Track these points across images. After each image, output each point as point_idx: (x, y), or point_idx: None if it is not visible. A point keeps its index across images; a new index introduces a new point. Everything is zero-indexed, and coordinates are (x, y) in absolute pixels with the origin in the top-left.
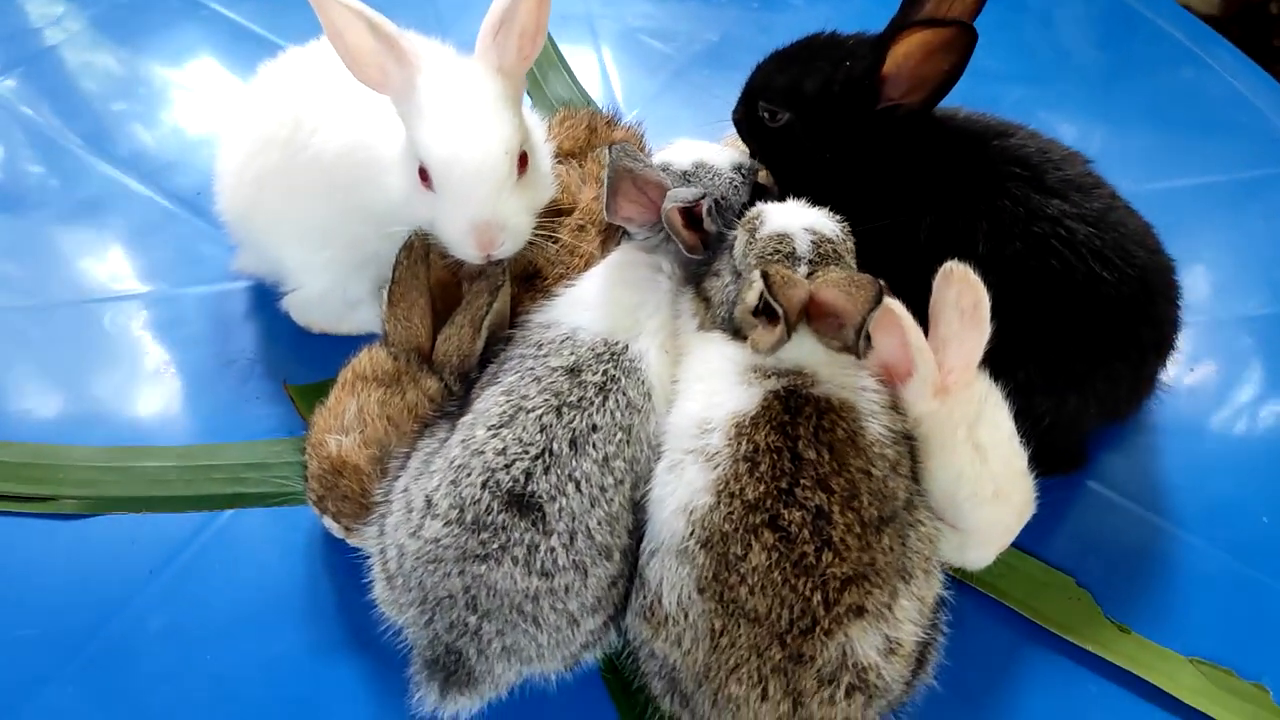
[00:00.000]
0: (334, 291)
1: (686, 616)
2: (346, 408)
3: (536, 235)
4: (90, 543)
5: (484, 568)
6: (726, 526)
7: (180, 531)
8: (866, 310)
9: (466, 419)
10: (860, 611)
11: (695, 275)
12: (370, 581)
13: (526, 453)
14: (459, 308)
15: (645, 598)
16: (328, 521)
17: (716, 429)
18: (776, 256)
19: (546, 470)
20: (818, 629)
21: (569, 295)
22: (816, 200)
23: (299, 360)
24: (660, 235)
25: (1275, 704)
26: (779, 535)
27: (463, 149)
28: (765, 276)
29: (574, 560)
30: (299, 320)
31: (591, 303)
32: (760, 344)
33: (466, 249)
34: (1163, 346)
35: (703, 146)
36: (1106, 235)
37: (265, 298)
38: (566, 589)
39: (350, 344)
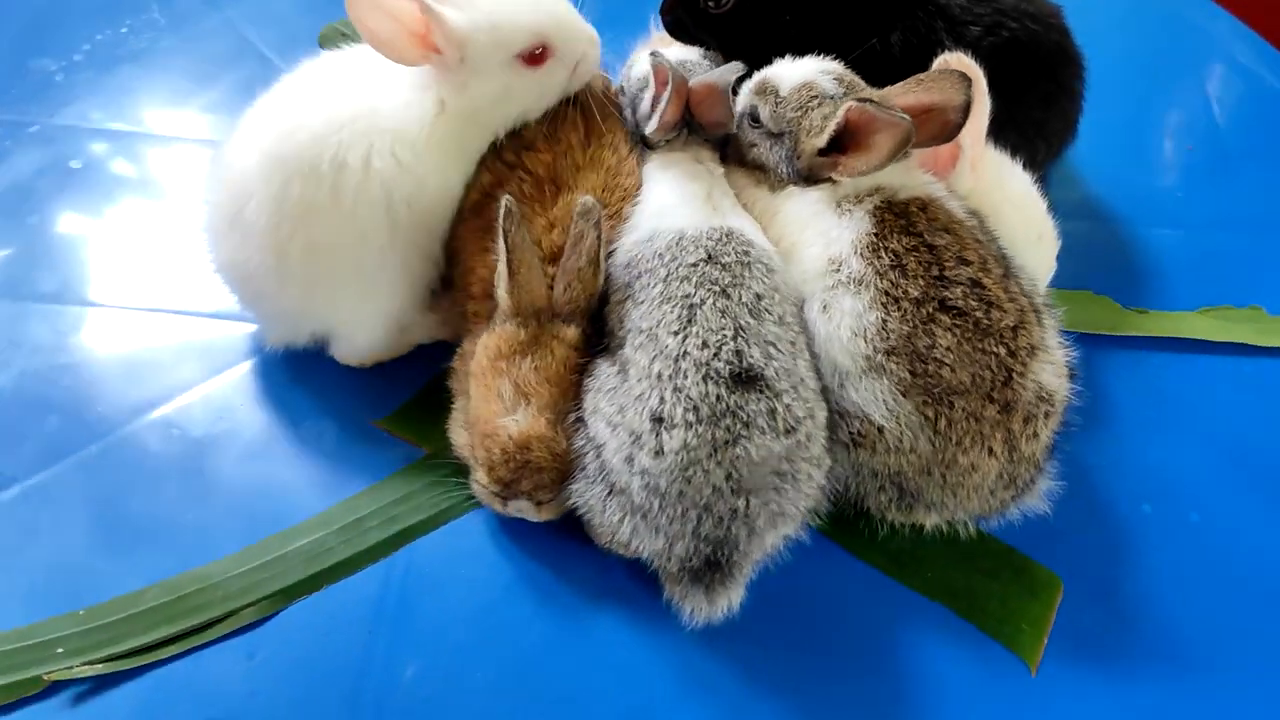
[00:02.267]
0: (390, 324)
1: (899, 420)
2: (501, 390)
3: None
4: (297, 634)
5: (739, 448)
6: (905, 328)
7: (369, 587)
8: (965, 88)
9: (634, 341)
10: (1032, 350)
11: (724, 155)
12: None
13: (724, 336)
14: (566, 250)
15: (850, 426)
16: (515, 508)
17: (848, 257)
18: (815, 103)
19: (748, 343)
20: (1013, 376)
21: (645, 211)
22: (781, 54)
23: (358, 399)
24: (681, 131)
25: (1270, 315)
26: (953, 313)
27: None
28: (860, 105)
29: (806, 409)
30: (351, 363)
31: (673, 206)
32: (858, 166)
33: (596, 57)
34: (1082, 76)
35: (667, 49)
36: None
37: (279, 361)
38: (808, 437)
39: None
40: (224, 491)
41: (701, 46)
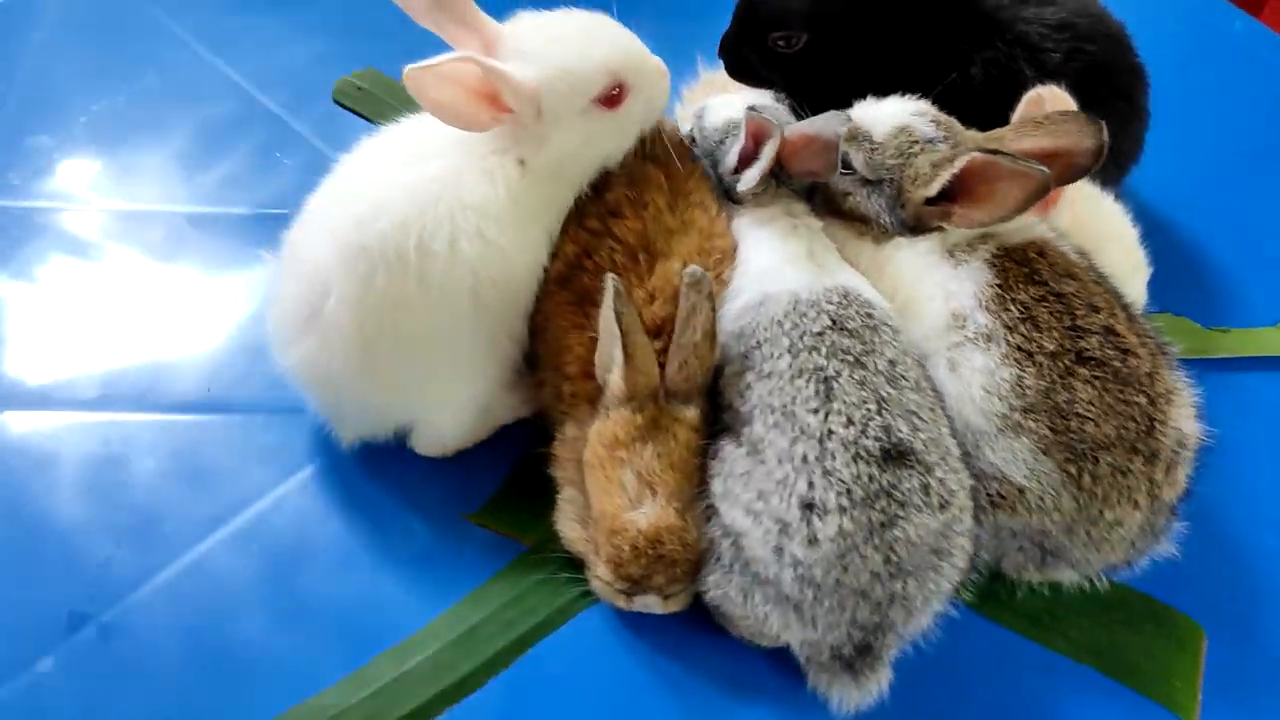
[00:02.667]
0: (478, 409)
1: (1040, 479)
2: (624, 481)
3: None
4: None
5: (896, 530)
6: (1043, 383)
7: (493, 701)
8: (1096, 132)
9: (765, 419)
10: (1169, 394)
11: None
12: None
13: (869, 411)
14: (678, 325)
15: (988, 488)
16: (641, 603)
17: (973, 311)
18: (915, 148)
19: (894, 416)
20: (1155, 424)
21: (748, 273)
22: (860, 95)
23: (443, 491)
24: (768, 184)
25: None
26: (1091, 364)
27: (617, 31)
28: (987, 156)
29: (957, 480)
30: (433, 454)
31: (778, 267)
32: (979, 218)
33: (666, 89)
34: (1148, 94)
35: (738, 95)
36: (1083, 19)
37: (351, 457)
38: (961, 509)
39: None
40: (319, 608)
41: (766, 88)
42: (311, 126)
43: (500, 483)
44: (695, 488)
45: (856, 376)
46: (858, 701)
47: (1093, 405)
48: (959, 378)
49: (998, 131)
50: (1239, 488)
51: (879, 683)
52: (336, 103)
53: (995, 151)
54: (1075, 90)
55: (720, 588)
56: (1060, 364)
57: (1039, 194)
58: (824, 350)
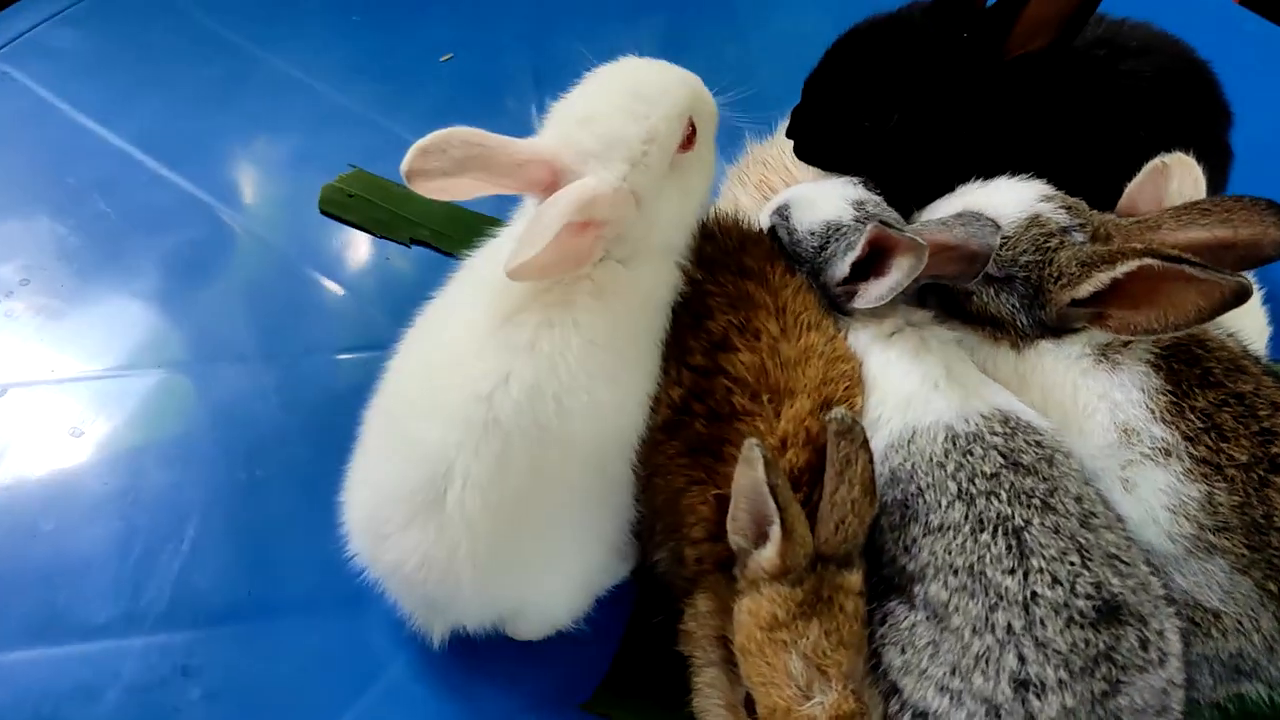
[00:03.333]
0: (593, 579)
1: (1237, 601)
2: (791, 669)
3: None
4: None
5: (1121, 698)
6: (1235, 499)
7: None
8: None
9: (945, 580)
10: None
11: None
12: None
13: (1073, 565)
14: (829, 479)
15: (1182, 616)
16: None
17: (1145, 424)
18: (1052, 241)
19: (1098, 565)
20: None
21: (886, 403)
22: (961, 177)
23: (548, 678)
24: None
25: None
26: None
27: (645, 71)
28: (1168, 265)
29: (1171, 626)
30: (540, 636)
31: (919, 393)
32: (1146, 325)
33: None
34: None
35: (822, 185)
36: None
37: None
38: (1180, 655)
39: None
40: None
41: (843, 173)
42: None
43: (612, 660)
44: (867, 660)
45: (1048, 523)
46: None
47: None
48: (1137, 499)
49: (1151, 216)
50: None
51: None
52: (325, 213)
53: (1178, 258)
54: (1179, 141)
55: None
56: (1254, 475)
57: (1232, 305)
58: (1004, 495)
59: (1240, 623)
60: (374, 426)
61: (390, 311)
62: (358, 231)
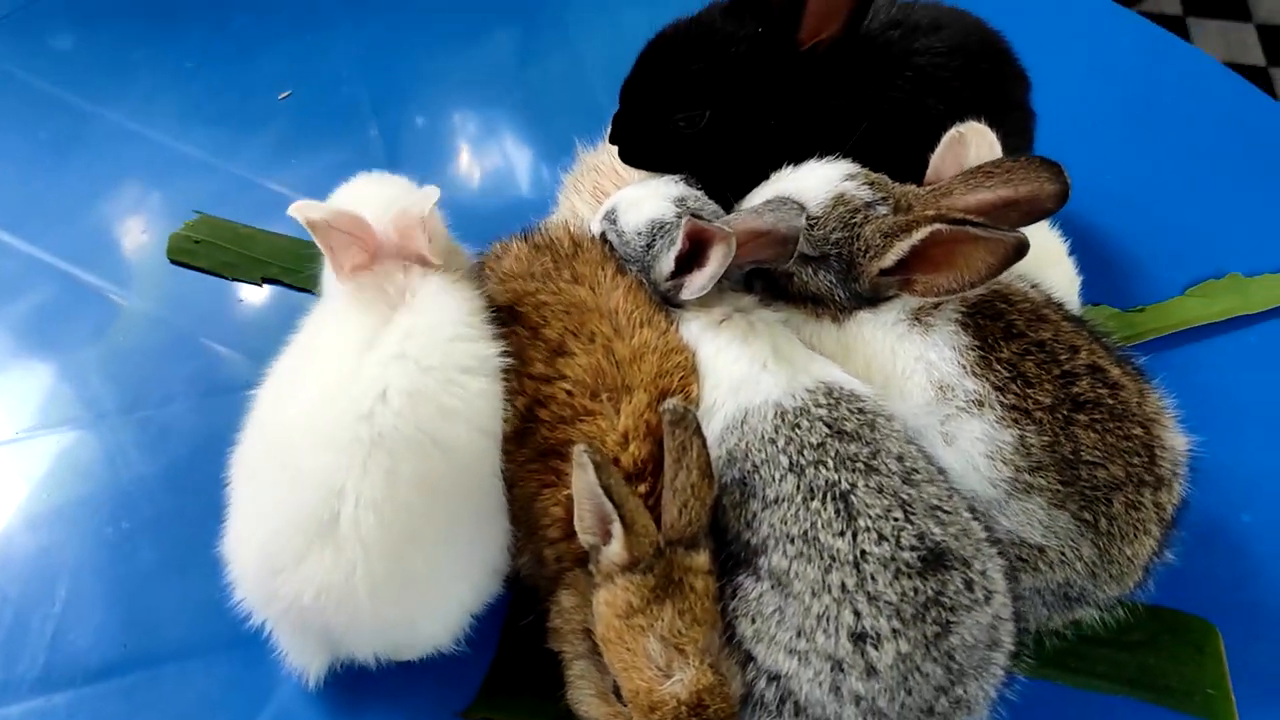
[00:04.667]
0: (482, 592)
1: (1057, 534)
2: (647, 649)
3: None
4: None
5: (952, 637)
6: (1045, 439)
7: None
8: (1059, 175)
9: (784, 549)
10: (1158, 417)
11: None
12: None
13: (897, 520)
14: (668, 467)
15: (1008, 555)
16: None
17: (958, 379)
18: (857, 216)
19: (921, 518)
20: (1155, 451)
21: (719, 387)
22: (774, 165)
23: (425, 691)
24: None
25: (1246, 276)
26: (1087, 408)
27: None
28: (954, 227)
29: (995, 565)
30: (421, 655)
31: (749, 375)
32: (946, 285)
33: None
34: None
35: (646, 186)
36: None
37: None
38: (1004, 594)
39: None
40: None
41: (666, 172)
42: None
43: (488, 666)
44: (722, 634)
45: (873, 484)
46: None
47: (1097, 449)
48: (958, 451)
49: (944, 184)
50: (1203, 471)
51: None
52: (174, 262)
53: (963, 220)
54: (978, 110)
55: None
56: (1059, 415)
57: (1014, 259)
58: (830, 463)
59: (1063, 554)
60: (250, 468)
61: (247, 352)
62: (209, 276)
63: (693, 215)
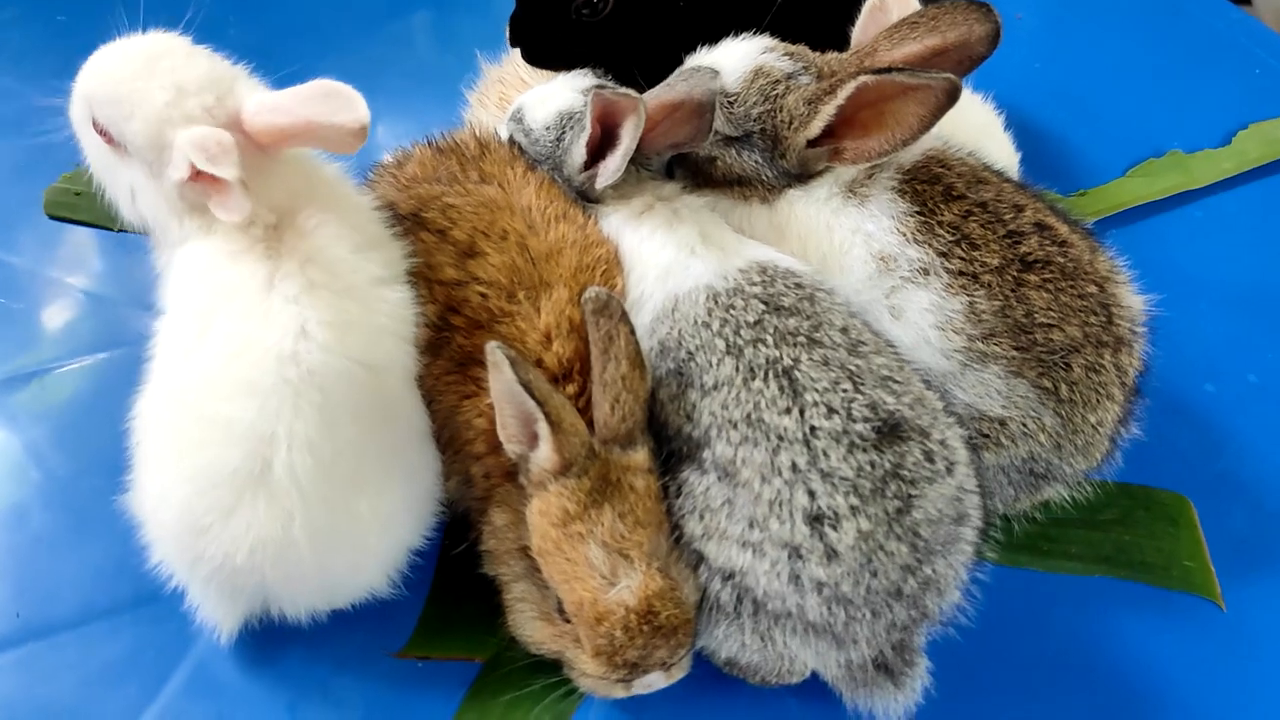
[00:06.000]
0: (420, 525)
1: (1017, 403)
2: (589, 557)
3: None
4: None
5: (915, 512)
6: (995, 303)
7: None
8: (987, 14)
9: (727, 437)
10: (1112, 275)
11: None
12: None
13: (846, 392)
14: (595, 360)
15: (968, 431)
16: (643, 685)
17: (900, 249)
18: (778, 88)
19: (872, 388)
20: (1112, 310)
21: (645, 277)
22: (687, 49)
23: (358, 634)
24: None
25: (1187, 153)
26: (1037, 267)
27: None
28: (880, 77)
29: (954, 434)
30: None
31: (677, 262)
32: (878, 148)
33: None
34: None
35: (554, 83)
36: None
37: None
38: (966, 465)
39: None
40: None
41: (572, 67)
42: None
43: (424, 602)
44: (669, 535)
45: (816, 357)
46: (904, 704)
47: (1052, 310)
48: (907, 324)
49: (866, 44)
50: (1161, 345)
51: (920, 677)
52: (52, 217)
53: (887, 69)
54: None
55: (731, 639)
56: (1008, 277)
57: (946, 105)
58: (769, 340)
59: (1025, 425)
60: (160, 423)
61: (138, 304)
62: (92, 230)
63: (598, 89)
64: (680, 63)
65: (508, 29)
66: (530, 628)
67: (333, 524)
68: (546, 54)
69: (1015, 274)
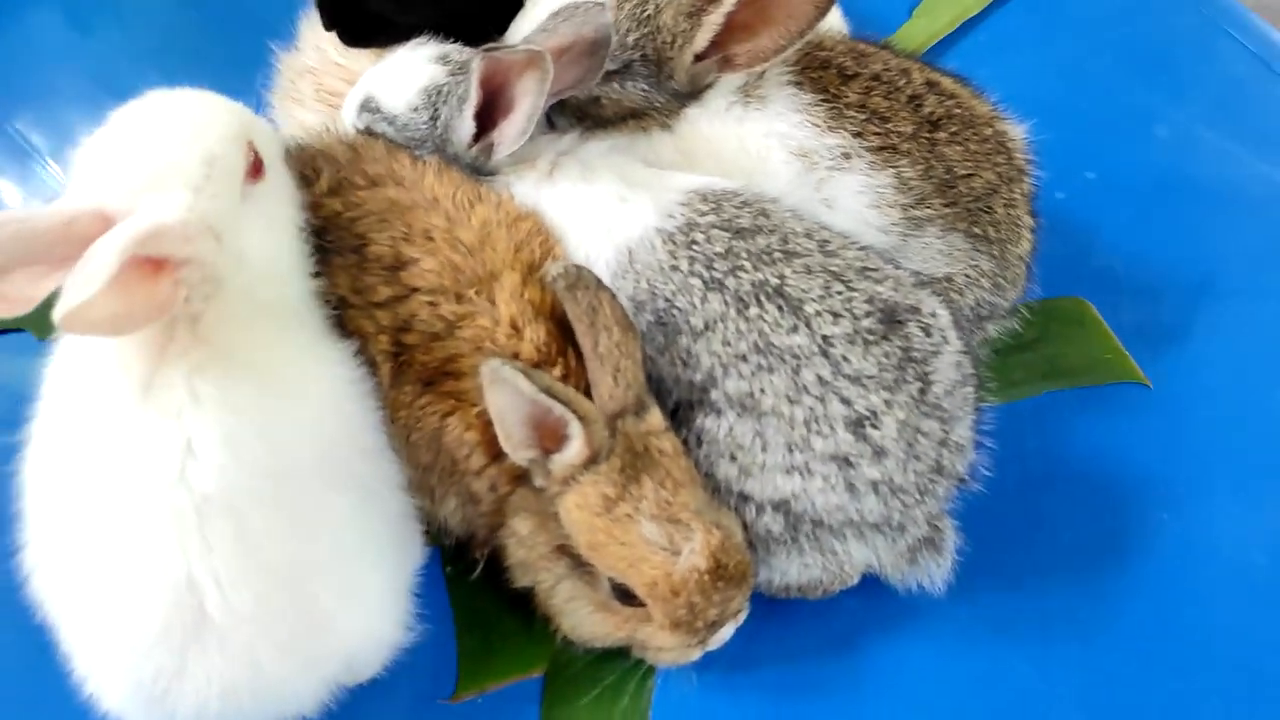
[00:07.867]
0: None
1: (957, 257)
2: (645, 535)
3: None
4: None
5: (935, 387)
6: (918, 168)
7: None
8: None
9: (737, 371)
10: (993, 114)
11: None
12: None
13: (840, 293)
14: (583, 336)
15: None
16: (717, 640)
17: (817, 139)
18: (648, 8)
19: (857, 281)
20: (1006, 144)
21: (585, 238)
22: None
23: (399, 685)
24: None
25: None
26: (943, 122)
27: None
28: None
29: (933, 300)
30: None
31: (611, 215)
32: (766, 48)
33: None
34: None
35: (399, 57)
36: None
37: None
38: (952, 324)
39: None
40: None
41: (400, 41)
42: None
43: (455, 638)
44: (705, 487)
45: (799, 267)
46: (946, 568)
47: (966, 161)
48: (844, 211)
49: None
50: None
51: (951, 538)
52: None
53: None
54: None
55: (792, 565)
56: (922, 140)
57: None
58: (747, 265)
59: (968, 275)
60: (61, 580)
61: None
62: None
63: (485, 51)
64: (519, 8)
65: (320, 14)
66: (591, 624)
67: (300, 629)
68: (369, 31)
69: (927, 136)
